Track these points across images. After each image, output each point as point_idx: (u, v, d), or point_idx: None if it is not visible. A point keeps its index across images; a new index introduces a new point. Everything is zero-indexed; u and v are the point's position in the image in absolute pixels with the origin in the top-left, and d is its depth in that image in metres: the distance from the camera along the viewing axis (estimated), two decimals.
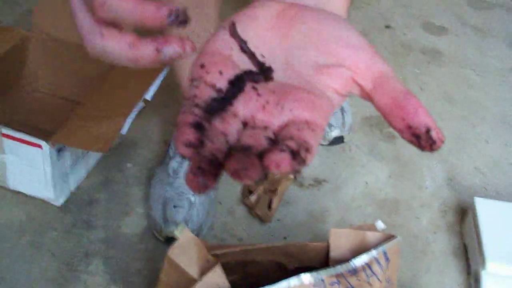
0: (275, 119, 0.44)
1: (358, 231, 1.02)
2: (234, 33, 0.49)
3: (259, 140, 0.42)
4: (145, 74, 1.40)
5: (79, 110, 1.33)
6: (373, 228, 1.05)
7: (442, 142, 0.43)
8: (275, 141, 0.42)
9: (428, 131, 0.43)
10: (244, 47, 0.49)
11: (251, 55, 0.48)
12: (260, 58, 0.49)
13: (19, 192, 1.36)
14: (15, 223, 1.33)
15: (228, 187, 1.44)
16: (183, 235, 0.96)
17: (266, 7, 0.51)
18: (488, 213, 1.33)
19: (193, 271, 0.94)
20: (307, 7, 0.51)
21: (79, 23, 0.50)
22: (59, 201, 1.36)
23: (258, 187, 1.39)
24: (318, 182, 1.49)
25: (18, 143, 1.27)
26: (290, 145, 0.40)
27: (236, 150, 0.41)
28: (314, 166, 1.52)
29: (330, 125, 1.55)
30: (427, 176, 1.55)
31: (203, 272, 0.94)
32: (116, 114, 1.28)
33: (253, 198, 1.38)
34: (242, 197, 1.42)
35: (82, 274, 1.24)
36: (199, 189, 0.40)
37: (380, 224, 1.06)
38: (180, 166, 1.34)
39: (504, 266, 1.22)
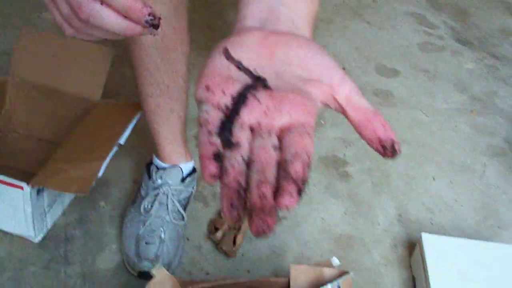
0: (277, 122, 0.55)
1: (315, 267, 1.14)
2: (229, 56, 0.60)
3: (268, 152, 0.54)
4: (119, 119, 1.50)
5: (57, 153, 1.42)
6: (329, 264, 1.17)
7: (400, 152, 0.57)
8: (281, 149, 0.54)
9: (393, 144, 0.56)
10: (240, 66, 0.59)
11: (247, 71, 0.59)
12: (254, 73, 0.59)
13: None
14: None
15: (196, 224, 1.55)
16: (159, 273, 1.07)
17: (250, 34, 0.62)
18: (434, 247, 1.46)
19: None
20: (284, 32, 0.62)
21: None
22: (37, 238, 1.45)
23: (223, 224, 1.50)
24: (278, 219, 1.61)
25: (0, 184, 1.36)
26: (296, 169, 0.51)
27: (254, 210, 0.51)
28: None
29: None
30: (379, 213, 1.67)
31: None
32: (93, 157, 1.38)
33: (219, 234, 1.49)
34: (209, 233, 1.53)
35: None
36: (235, 220, 0.52)
37: (335, 260, 1.18)
38: (151, 206, 1.45)
39: None
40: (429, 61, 2.40)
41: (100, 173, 1.36)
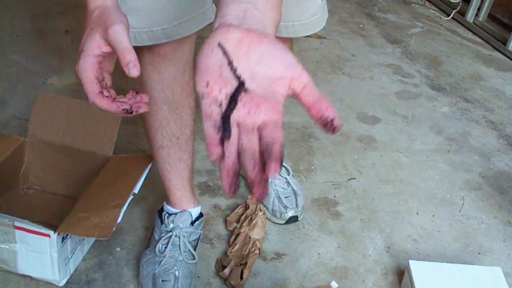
0: (257, 120, 0.73)
1: None
2: (225, 53, 0.76)
3: (254, 144, 0.72)
4: (132, 170, 1.66)
5: (78, 204, 1.58)
6: (329, 287, 1.33)
7: (339, 128, 0.73)
8: (261, 140, 0.71)
9: (332, 120, 0.72)
10: (231, 64, 0.75)
11: (234, 70, 0.75)
12: (238, 72, 0.75)
13: (26, 276, 1.59)
14: None
15: (204, 263, 1.70)
16: None
17: (231, 32, 0.77)
18: (421, 272, 1.61)
19: None
20: (257, 33, 0.77)
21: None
22: (62, 282, 1.59)
23: (230, 262, 1.65)
24: (279, 255, 1.76)
25: (28, 233, 1.51)
26: (275, 151, 0.69)
27: (254, 183, 0.71)
28: (274, 242, 1.80)
29: (285, 207, 1.84)
30: (369, 246, 1.84)
31: None
32: (111, 205, 1.53)
33: (227, 271, 1.64)
34: (216, 271, 1.68)
35: None
36: (233, 192, 0.72)
37: (334, 284, 1.33)
38: (165, 247, 1.60)
39: None
40: (406, 107, 2.60)
41: (119, 219, 1.51)
